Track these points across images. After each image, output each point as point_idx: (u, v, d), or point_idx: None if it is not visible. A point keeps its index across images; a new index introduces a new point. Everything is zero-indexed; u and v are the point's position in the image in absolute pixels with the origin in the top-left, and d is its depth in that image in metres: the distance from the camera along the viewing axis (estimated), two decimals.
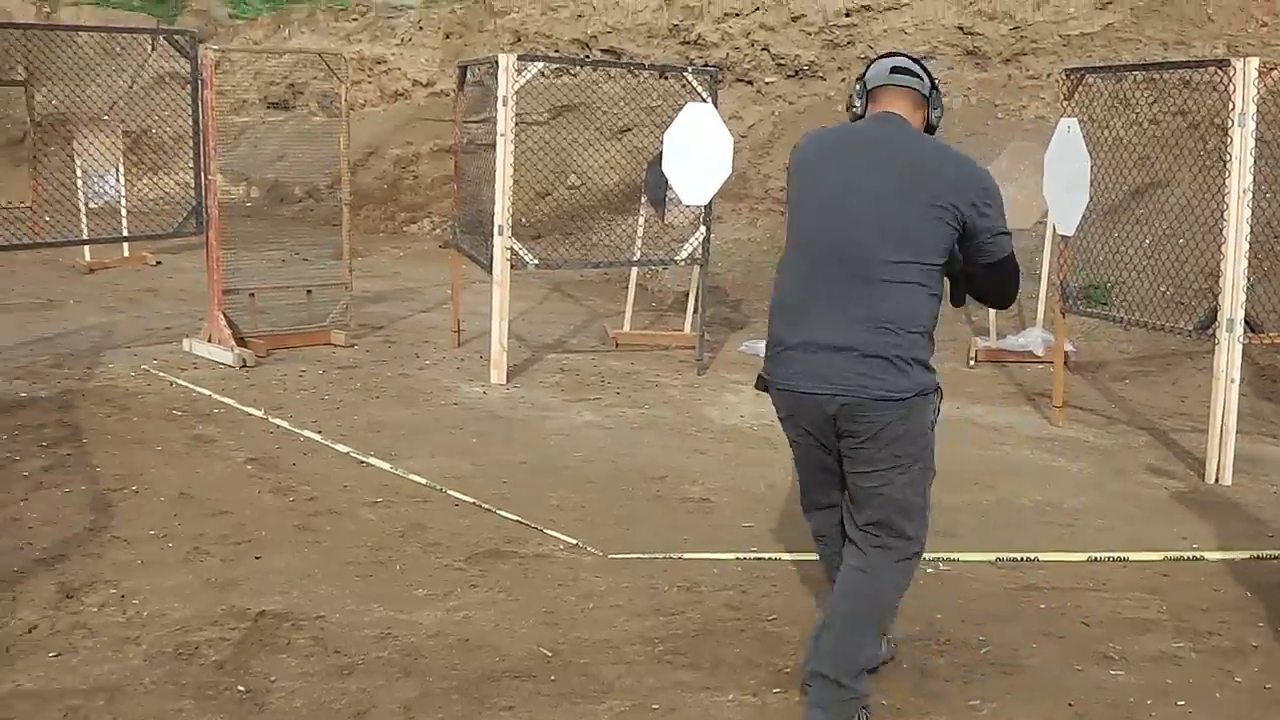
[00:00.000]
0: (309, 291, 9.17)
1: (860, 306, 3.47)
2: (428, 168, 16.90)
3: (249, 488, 5.75)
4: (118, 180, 12.73)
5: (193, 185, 8.66)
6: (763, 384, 3.74)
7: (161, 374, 7.84)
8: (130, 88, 12.86)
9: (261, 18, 21.01)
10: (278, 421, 6.86)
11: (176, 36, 8.94)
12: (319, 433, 6.66)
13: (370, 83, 18.58)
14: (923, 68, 3.77)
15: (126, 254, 12.79)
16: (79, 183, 12.30)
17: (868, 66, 3.84)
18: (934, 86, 3.75)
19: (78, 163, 12.22)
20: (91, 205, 12.26)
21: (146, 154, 13.60)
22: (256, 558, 4.86)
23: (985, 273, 3.68)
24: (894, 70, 3.73)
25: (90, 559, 4.78)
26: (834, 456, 3.66)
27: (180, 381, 7.67)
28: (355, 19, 20.29)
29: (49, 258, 12.17)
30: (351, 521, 5.35)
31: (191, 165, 8.64)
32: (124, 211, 12.51)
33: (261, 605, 4.40)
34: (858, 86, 3.79)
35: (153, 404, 7.18)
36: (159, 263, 12.79)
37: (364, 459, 6.23)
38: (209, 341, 8.37)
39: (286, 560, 4.86)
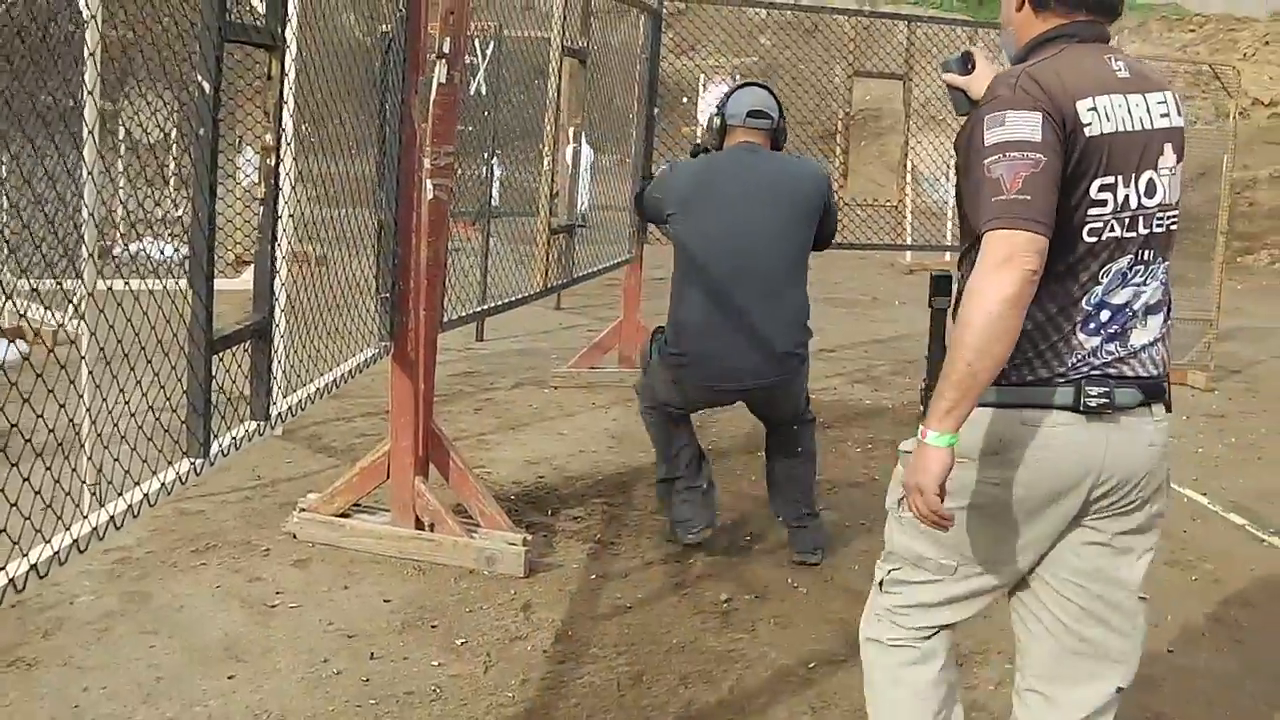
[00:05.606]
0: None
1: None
2: (1266, 195, 15.12)
3: None
4: (948, 181, 12.45)
5: None
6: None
7: None
8: None
9: None
10: None
11: None
12: (1203, 495, 5.62)
13: (1205, 98, 16.97)
14: (774, 98, 4.36)
15: (948, 259, 12.46)
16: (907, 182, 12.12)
17: (725, 99, 4.37)
18: (782, 115, 4.37)
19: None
20: (916, 205, 12.08)
21: None
22: (1169, 650, 3.96)
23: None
24: (750, 114, 4.30)
25: None
26: None
27: None
28: (1193, 30, 18.67)
29: (868, 255, 12.13)
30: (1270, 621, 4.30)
31: None
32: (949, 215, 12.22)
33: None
34: (716, 122, 4.33)
35: None
36: None
37: (1263, 537, 5.14)
38: None
39: (1209, 661, 3.92)
